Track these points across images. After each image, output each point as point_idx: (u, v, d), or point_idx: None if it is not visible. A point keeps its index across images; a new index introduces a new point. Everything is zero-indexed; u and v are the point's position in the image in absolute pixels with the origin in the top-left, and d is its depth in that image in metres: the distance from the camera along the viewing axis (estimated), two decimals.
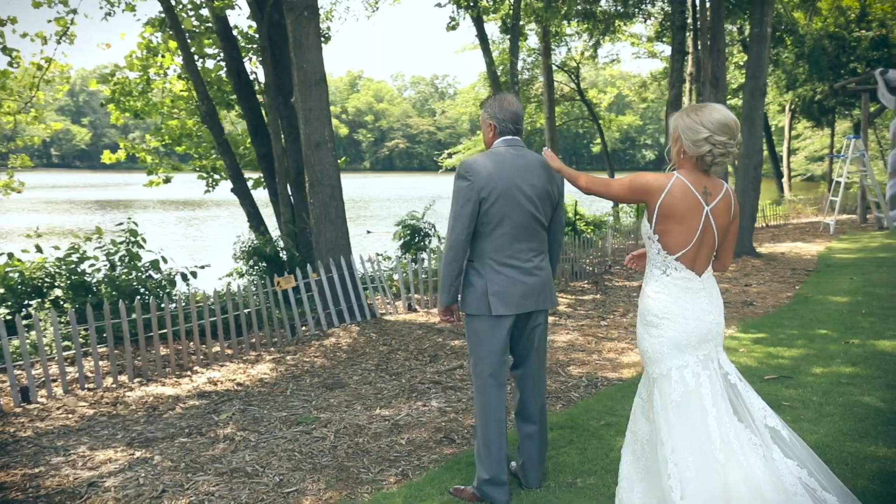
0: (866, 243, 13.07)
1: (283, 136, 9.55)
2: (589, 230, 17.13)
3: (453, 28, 18.26)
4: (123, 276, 7.15)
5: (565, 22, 22.33)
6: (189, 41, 10.84)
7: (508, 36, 20.56)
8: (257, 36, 12.11)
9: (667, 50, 30.42)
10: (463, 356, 5.97)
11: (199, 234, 24.85)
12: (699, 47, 23.18)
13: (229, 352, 6.34)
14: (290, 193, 9.52)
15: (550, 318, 7.48)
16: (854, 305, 7.17)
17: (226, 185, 15.36)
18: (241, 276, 9.53)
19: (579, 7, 14.41)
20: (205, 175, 14.62)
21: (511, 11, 16.54)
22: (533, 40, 25.28)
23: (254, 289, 6.63)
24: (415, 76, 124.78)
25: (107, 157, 14.67)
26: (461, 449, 3.96)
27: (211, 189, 14.73)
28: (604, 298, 8.73)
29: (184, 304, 6.24)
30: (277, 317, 6.72)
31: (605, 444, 3.76)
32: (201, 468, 3.86)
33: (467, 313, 3.20)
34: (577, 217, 19.21)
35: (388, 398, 4.98)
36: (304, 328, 6.94)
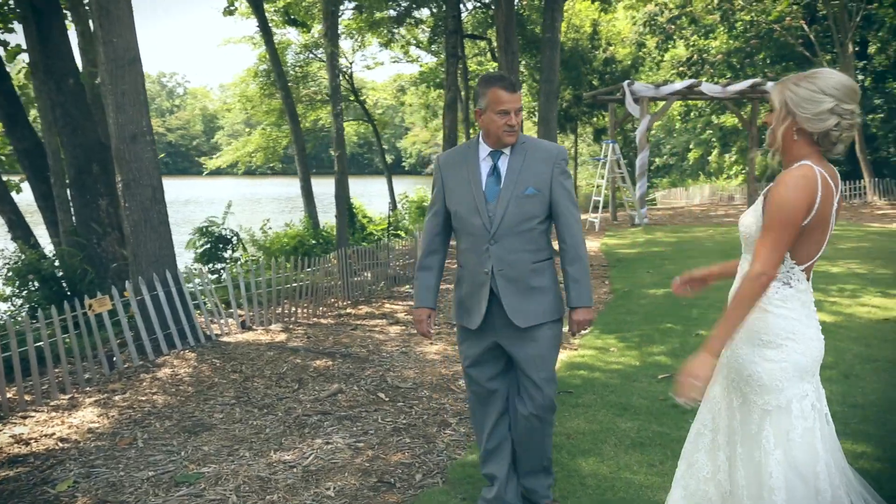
0: (632, 238, 14.58)
1: (57, 127, 7.88)
2: (379, 232, 16.97)
3: (230, 13, 16.91)
4: None
5: (344, 18, 21.94)
6: None
7: (288, 29, 19.61)
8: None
9: (424, 56, 31.50)
10: (334, 378, 5.33)
11: None
12: (464, 52, 24.32)
13: (28, 398, 4.98)
14: (69, 197, 7.89)
15: (398, 329, 7.10)
16: (672, 298, 7.79)
17: None
18: (6, 300, 7.71)
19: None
20: None
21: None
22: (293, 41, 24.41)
23: (22, 314, 5.27)
24: None
25: None
26: (407, 494, 3.43)
27: None
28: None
29: None
30: (91, 347, 5.45)
31: (570, 470, 3.50)
32: None
33: (557, 319, 2.95)
34: (366, 219, 18.97)
35: (275, 438, 4.21)
36: (122, 358, 5.72)
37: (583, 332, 2.96)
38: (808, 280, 2.21)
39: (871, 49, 25.06)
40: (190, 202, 40.35)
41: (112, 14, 5.68)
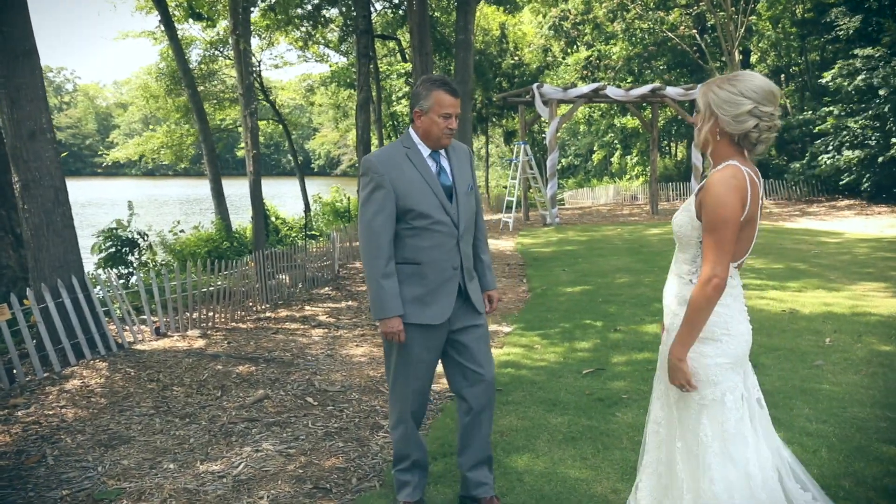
0: (546, 238, 14.94)
1: None
2: (294, 234, 16.62)
3: None
4: None
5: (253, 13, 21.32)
6: None
7: (191, 24, 18.89)
8: None
9: (333, 56, 31.12)
10: (259, 384, 5.18)
11: None
12: (374, 52, 24.17)
13: None
14: None
15: (321, 332, 6.98)
16: (589, 295, 8.04)
17: None
18: None
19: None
20: None
21: None
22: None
23: None
24: None
25: None
26: (344, 499, 3.37)
27: None
28: (358, 304, 8.45)
29: None
30: None
31: (506, 468, 3.53)
32: None
33: None
34: (280, 220, 18.53)
35: (200, 448, 4.04)
36: (24, 370, 5.33)
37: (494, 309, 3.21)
38: (738, 275, 2.33)
39: (753, 59, 26.80)
40: (91, 204, 38.25)
41: (6, 0, 5.29)
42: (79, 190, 59.56)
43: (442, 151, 2.98)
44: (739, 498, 2.15)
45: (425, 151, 2.94)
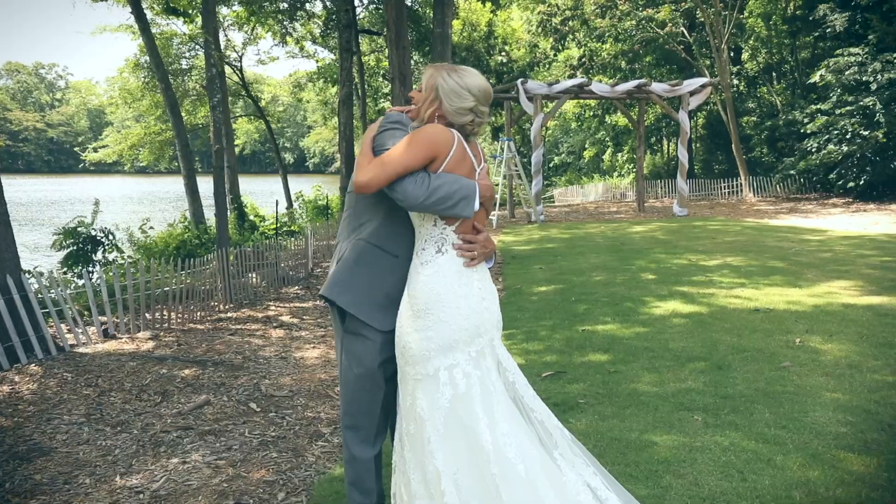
0: (528, 235, 14.71)
1: None
2: (271, 231, 16.35)
3: None
4: None
5: (233, 9, 21.06)
6: None
7: (171, 18, 18.61)
8: None
9: (320, 51, 30.80)
10: (203, 389, 4.93)
11: None
12: (359, 47, 23.89)
13: None
14: None
15: (281, 333, 6.73)
16: (562, 294, 7.81)
17: None
18: None
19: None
20: None
21: None
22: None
23: None
24: (10, 63, 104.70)
25: None
26: None
27: None
28: (325, 304, 8.20)
29: None
30: None
31: None
32: None
33: None
34: (258, 217, 18.24)
35: (124, 460, 3.79)
36: None
37: None
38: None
39: (744, 56, 26.59)
40: (87, 201, 37.98)
41: None
42: (71, 187, 59.22)
43: None
44: (465, 470, 2.13)
45: None
